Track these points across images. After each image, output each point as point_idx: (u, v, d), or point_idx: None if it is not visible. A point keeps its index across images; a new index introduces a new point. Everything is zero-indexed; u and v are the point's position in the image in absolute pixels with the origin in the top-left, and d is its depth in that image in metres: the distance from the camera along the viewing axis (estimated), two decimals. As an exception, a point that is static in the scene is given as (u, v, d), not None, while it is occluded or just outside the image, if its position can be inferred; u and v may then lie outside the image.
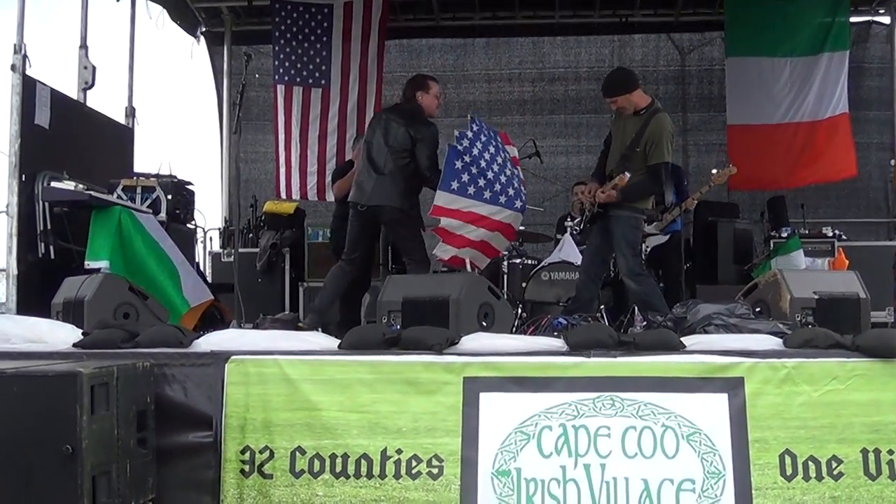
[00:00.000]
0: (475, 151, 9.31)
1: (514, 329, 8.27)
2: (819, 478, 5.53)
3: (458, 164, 9.26)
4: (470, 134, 9.37)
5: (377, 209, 9.60)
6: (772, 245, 12.31)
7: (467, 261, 9.71)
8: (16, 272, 9.09)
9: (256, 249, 13.39)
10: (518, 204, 9.59)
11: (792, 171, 13.73)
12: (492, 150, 9.49)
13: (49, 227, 9.38)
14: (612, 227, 8.90)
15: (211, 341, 6.41)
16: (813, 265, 11.50)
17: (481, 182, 9.28)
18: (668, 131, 8.82)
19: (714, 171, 11.07)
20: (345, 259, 9.90)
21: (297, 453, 5.82)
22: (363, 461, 5.75)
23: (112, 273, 8.42)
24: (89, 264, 8.86)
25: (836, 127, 13.66)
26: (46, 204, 9.38)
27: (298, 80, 14.13)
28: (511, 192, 9.51)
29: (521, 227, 11.81)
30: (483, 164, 9.34)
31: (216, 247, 14.14)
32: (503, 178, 9.47)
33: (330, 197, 13.83)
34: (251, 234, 14.01)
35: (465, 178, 9.24)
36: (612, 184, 8.90)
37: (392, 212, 9.57)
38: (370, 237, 9.95)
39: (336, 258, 11.23)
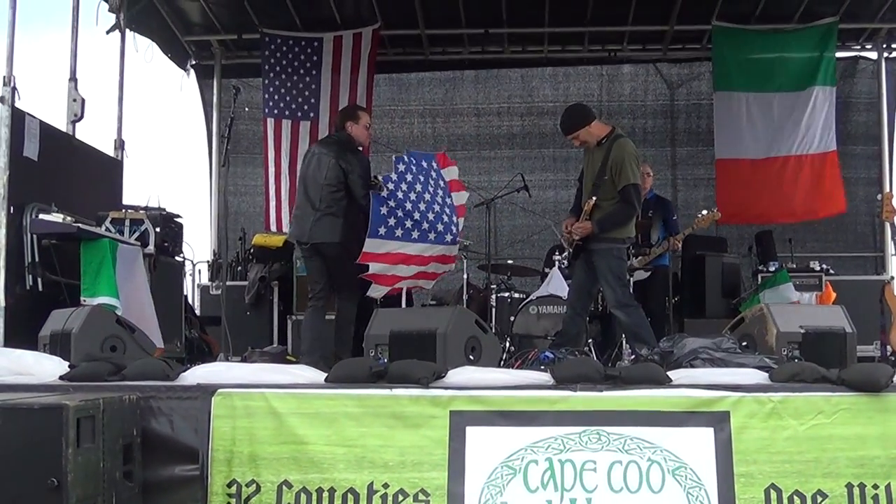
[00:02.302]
0: (400, 194, 9.60)
1: (501, 363, 8.28)
2: (804, 512, 5.54)
3: (384, 210, 9.55)
4: (394, 176, 9.64)
5: (318, 246, 9.73)
6: (759, 279, 12.35)
7: (405, 289, 10.12)
8: (3, 304, 9.03)
9: (245, 282, 13.38)
10: (448, 238, 9.94)
11: (780, 206, 13.76)
12: (419, 187, 9.77)
13: (37, 259, 9.34)
14: (595, 260, 8.92)
15: (198, 374, 6.41)
16: (800, 299, 11.52)
17: (408, 223, 9.61)
18: (629, 153, 8.87)
19: (703, 212, 11.18)
20: (311, 297, 9.95)
21: (284, 487, 5.80)
22: (350, 495, 5.74)
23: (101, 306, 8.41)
24: (85, 301, 8.84)
25: (825, 163, 13.71)
26: (34, 236, 9.35)
27: (287, 113, 14.19)
28: (440, 227, 9.82)
29: (510, 261, 11.88)
30: (409, 205, 9.65)
31: (205, 280, 14.11)
32: (431, 215, 9.80)
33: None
34: (240, 267, 14.00)
35: (392, 221, 9.56)
36: (584, 214, 8.97)
37: (332, 247, 9.67)
38: (328, 268, 9.91)
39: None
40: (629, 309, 8.87)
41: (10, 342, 8.55)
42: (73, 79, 11.07)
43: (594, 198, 8.89)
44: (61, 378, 6.32)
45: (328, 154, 9.79)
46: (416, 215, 9.61)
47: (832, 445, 5.62)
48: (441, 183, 9.98)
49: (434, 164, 10.05)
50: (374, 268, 9.61)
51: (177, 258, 10.91)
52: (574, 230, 9.00)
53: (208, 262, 14.50)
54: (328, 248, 9.67)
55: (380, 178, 9.65)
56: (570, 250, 9.30)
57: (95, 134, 11.66)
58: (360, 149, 10.08)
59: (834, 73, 13.90)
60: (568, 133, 9.20)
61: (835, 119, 13.81)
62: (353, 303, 9.59)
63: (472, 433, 5.76)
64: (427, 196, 9.73)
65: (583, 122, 9.12)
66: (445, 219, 9.82)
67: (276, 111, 14.20)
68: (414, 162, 9.83)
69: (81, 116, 11.02)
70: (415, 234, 9.63)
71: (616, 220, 8.90)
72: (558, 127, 15.18)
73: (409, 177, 9.68)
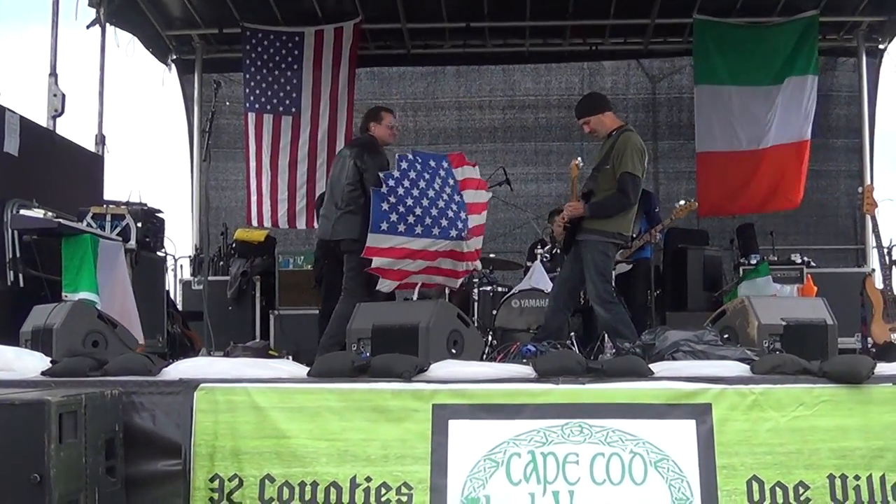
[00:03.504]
0: (401, 190, 9.47)
1: (483, 356, 8.28)
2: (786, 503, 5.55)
3: (385, 206, 9.42)
4: (396, 173, 9.54)
5: (339, 243, 9.95)
6: (741, 272, 12.36)
7: (418, 285, 10.16)
8: (-16, 300, 9.05)
9: (227, 277, 13.37)
10: (453, 233, 9.67)
11: (760, 197, 13.81)
12: (422, 184, 9.64)
13: (18, 255, 9.31)
14: (582, 252, 8.91)
15: (180, 369, 6.39)
16: (781, 291, 11.55)
17: (410, 219, 9.47)
18: (633, 144, 8.89)
19: (681, 202, 11.21)
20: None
21: (267, 481, 5.78)
22: (332, 489, 5.73)
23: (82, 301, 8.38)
24: (67, 296, 8.81)
25: (803, 152, 13.73)
26: (15, 232, 9.32)
27: (269, 107, 14.18)
28: (444, 222, 9.63)
29: (492, 255, 11.88)
30: (410, 201, 9.50)
31: (186, 275, 14.09)
32: (435, 211, 9.61)
33: (301, 224, 13.95)
34: (221, 262, 13.98)
35: (394, 217, 9.43)
36: (573, 188, 9.02)
37: (350, 244, 9.83)
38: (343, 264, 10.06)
39: (317, 286, 11.29)
40: (609, 305, 8.83)
41: (-9, 338, 8.53)
42: (54, 74, 11.06)
43: (579, 158, 8.98)
44: (43, 374, 6.29)
45: (350, 155, 10.08)
46: (419, 210, 9.51)
47: (814, 437, 5.62)
48: (450, 181, 9.93)
49: (444, 164, 10.01)
50: (378, 262, 9.54)
51: (158, 253, 10.87)
52: (566, 208, 9.02)
53: (190, 257, 14.50)
54: (347, 245, 9.88)
55: (381, 174, 9.63)
56: (560, 242, 9.30)
57: (76, 129, 11.69)
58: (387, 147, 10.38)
59: (816, 62, 13.90)
60: (579, 117, 9.30)
61: (815, 109, 13.83)
62: (355, 301, 9.63)
63: (455, 426, 5.76)
64: (431, 193, 9.68)
65: (596, 109, 9.20)
66: (451, 214, 9.73)
67: (257, 106, 14.19)
68: (419, 160, 9.79)
69: (62, 112, 11.02)
70: (418, 230, 9.56)
71: (608, 206, 8.89)
72: (539, 119, 15.54)
73: (412, 174, 9.62)
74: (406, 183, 9.51)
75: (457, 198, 9.85)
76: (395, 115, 10.65)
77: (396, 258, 9.52)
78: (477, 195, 10.18)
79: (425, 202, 9.54)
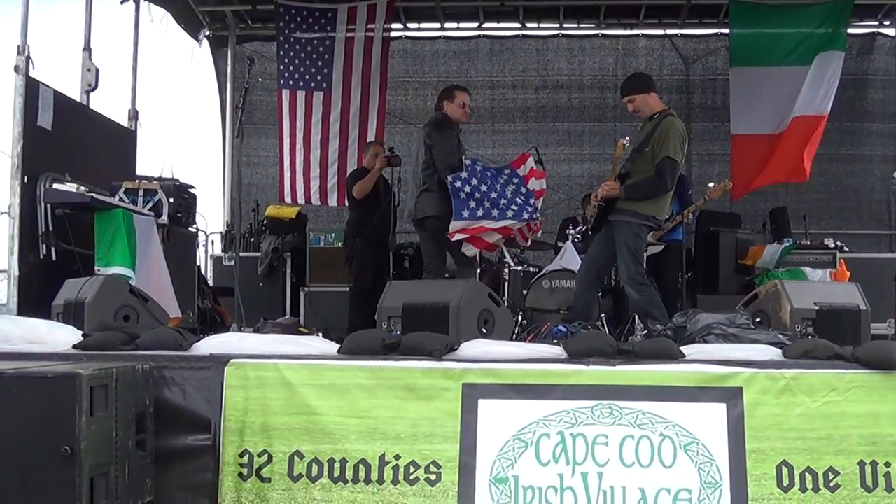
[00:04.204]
0: (474, 182, 9.95)
1: (513, 336, 8.26)
2: (816, 489, 5.50)
3: (462, 195, 9.90)
4: (464, 174, 9.96)
5: (422, 221, 10.19)
6: (774, 255, 12.29)
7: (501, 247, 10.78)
8: (17, 273, 9.08)
9: (258, 254, 13.42)
10: (525, 215, 10.12)
11: (772, 169, 13.66)
12: (489, 180, 10.09)
13: (51, 228, 9.37)
14: (614, 233, 8.89)
15: (211, 344, 6.40)
16: (813, 276, 11.47)
17: (486, 204, 9.93)
18: (676, 129, 8.84)
19: (711, 184, 11.15)
20: (424, 271, 10.39)
21: (296, 457, 5.80)
22: (361, 466, 5.74)
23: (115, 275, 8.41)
24: (99, 270, 8.86)
25: (819, 125, 13.56)
26: (48, 206, 9.38)
27: (302, 84, 14.18)
28: (515, 206, 10.06)
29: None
30: (484, 188, 9.98)
31: (218, 250, 14.16)
32: (504, 200, 10.06)
33: (332, 201, 13.94)
34: (253, 239, 14.04)
35: (472, 203, 9.90)
36: (613, 170, 9.04)
37: (432, 221, 10.11)
38: (435, 242, 10.33)
39: (347, 264, 11.31)
40: (641, 287, 8.80)
41: (23, 311, 8.57)
42: (88, 49, 11.09)
43: (627, 138, 9.02)
44: (75, 347, 6.32)
45: (422, 135, 10.32)
46: (493, 195, 9.97)
47: (845, 423, 5.59)
48: (514, 179, 10.33)
49: (506, 170, 10.46)
50: (461, 235, 10.00)
51: (190, 229, 10.92)
52: (601, 187, 8.99)
53: (221, 232, 14.55)
54: (429, 222, 10.14)
55: (449, 177, 9.96)
56: (591, 221, 9.30)
57: (109, 104, 11.67)
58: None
59: (844, 38, 13.74)
60: (624, 95, 9.29)
61: (835, 85, 13.65)
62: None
63: (485, 406, 5.75)
64: (498, 186, 10.11)
65: (641, 88, 9.21)
66: (520, 200, 10.10)
67: (290, 82, 14.20)
68: (479, 164, 10.29)
69: (95, 86, 11.05)
70: (494, 213, 9.99)
71: (644, 189, 8.87)
72: (572, 100, 15.50)
73: (478, 169, 10.12)
74: (474, 181, 9.95)
75: (524, 189, 10.27)
76: (469, 94, 10.69)
77: (477, 233, 9.99)
78: (539, 183, 10.53)
79: (493, 194, 9.99)
